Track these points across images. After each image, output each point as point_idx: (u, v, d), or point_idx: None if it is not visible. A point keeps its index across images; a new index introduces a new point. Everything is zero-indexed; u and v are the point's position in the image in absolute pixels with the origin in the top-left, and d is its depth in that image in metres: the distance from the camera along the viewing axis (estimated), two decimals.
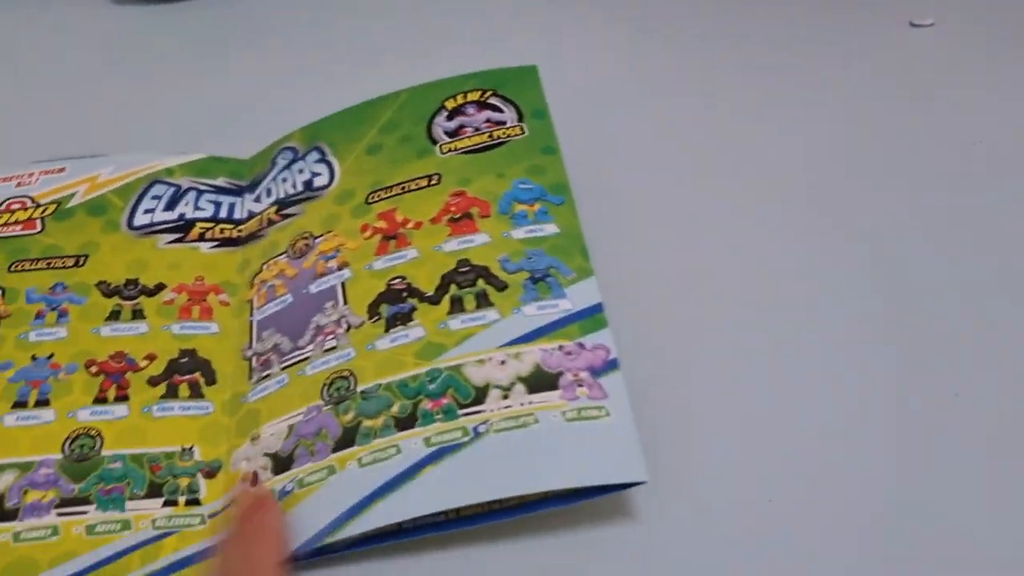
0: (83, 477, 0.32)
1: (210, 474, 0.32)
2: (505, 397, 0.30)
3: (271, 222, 0.39)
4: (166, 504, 0.31)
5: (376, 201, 0.37)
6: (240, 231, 0.39)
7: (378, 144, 0.39)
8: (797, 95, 0.45)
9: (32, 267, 0.38)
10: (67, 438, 0.33)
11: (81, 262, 0.38)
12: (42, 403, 0.34)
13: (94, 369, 0.34)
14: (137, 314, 0.36)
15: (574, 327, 0.32)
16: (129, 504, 0.31)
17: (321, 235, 0.37)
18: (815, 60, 0.47)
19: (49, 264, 0.38)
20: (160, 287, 0.37)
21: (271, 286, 0.36)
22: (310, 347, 0.33)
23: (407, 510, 0.28)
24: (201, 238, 0.39)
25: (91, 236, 0.39)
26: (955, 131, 0.43)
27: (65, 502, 0.31)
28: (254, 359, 0.34)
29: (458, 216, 0.36)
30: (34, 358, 0.35)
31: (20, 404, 0.34)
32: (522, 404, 0.30)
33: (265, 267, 0.37)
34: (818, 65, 0.47)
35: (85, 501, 0.31)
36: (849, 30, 0.49)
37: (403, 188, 0.37)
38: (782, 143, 0.43)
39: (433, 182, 0.37)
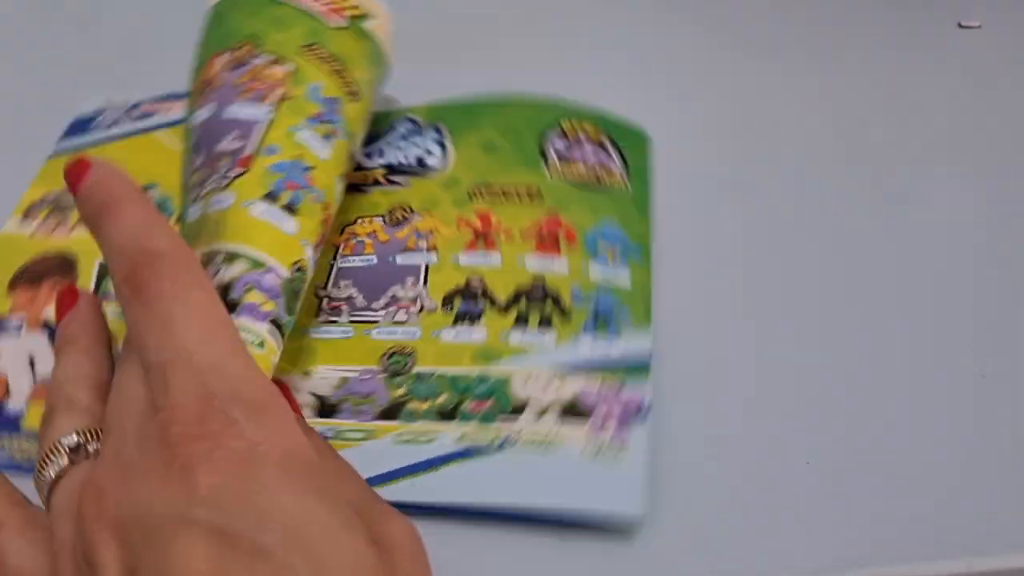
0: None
1: None
2: (538, 418, 0.33)
3: (376, 182, 0.41)
4: None
5: (478, 197, 0.40)
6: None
7: (494, 144, 0.42)
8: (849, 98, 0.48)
9: None
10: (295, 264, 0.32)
11: None
12: (288, 209, 0.33)
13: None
14: None
15: (620, 372, 0.34)
16: None
17: (419, 212, 0.40)
18: (864, 62, 0.49)
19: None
20: None
21: (361, 241, 0.39)
22: (382, 312, 0.36)
23: (424, 496, 0.31)
24: None
25: None
26: (1003, 131, 0.45)
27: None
28: (325, 301, 0.37)
29: (547, 236, 0.38)
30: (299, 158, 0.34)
31: (271, 196, 0.33)
32: (550, 429, 0.32)
33: (360, 221, 0.40)
34: (867, 68, 0.49)
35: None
36: (898, 31, 0.51)
37: (504, 193, 0.40)
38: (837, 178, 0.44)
39: (533, 198, 0.40)
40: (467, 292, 0.36)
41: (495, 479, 0.31)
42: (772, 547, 0.31)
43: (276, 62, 0.36)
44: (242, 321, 0.30)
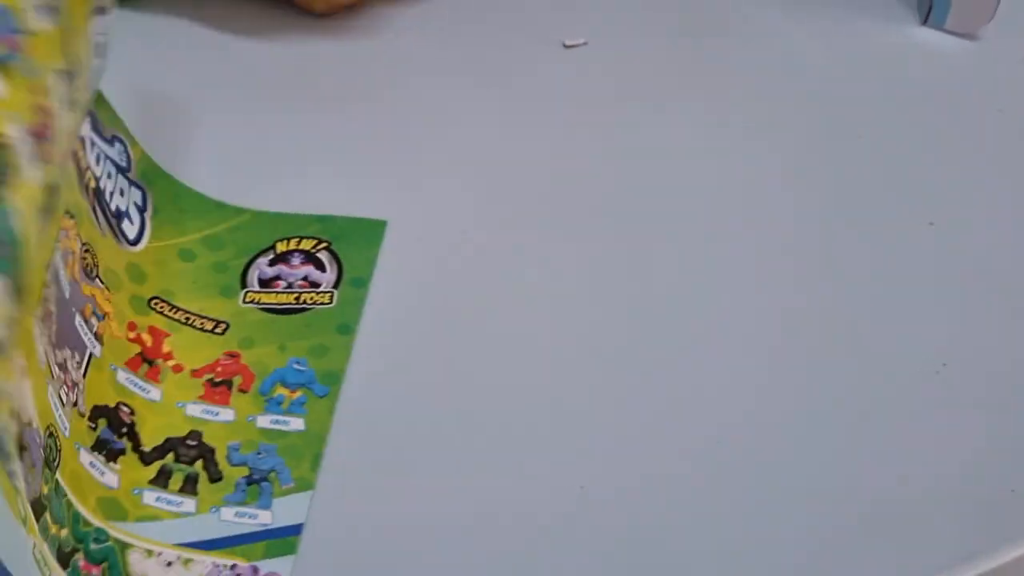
0: None
1: None
2: None
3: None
4: None
5: (157, 311, 0.36)
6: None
7: (192, 253, 0.38)
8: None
9: None
10: None
11: None
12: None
13: None
14: None
15: (259, 546, 0.31)
16: None
17: (104, 282, 0.35)
18: (474, 85, 0.48)
19: None
20: None
21: (69, 252, 0.33)
22: (55, 368, 0.31)
23: None
24: None
25: None
26: (611, 150, 0.45)
27: None
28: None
29: (219, 381, 0.35)
30: None
31: None
32: None
33: (70, 218, 0.33)
34: (479, 92, 0.48)
35: None
36: (506, 52, 0.50)
37: (187, 319, 0.36)
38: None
39: (218, 330, 0.36)
40: (114, 417, 0.33)
41: None
42: None
43: None
44: None
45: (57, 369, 0.31)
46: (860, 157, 0.45)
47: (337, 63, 0.49)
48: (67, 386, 0.32)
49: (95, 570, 0.29)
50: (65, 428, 0.31)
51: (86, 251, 0.35)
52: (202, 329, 0.36)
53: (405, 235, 0.41)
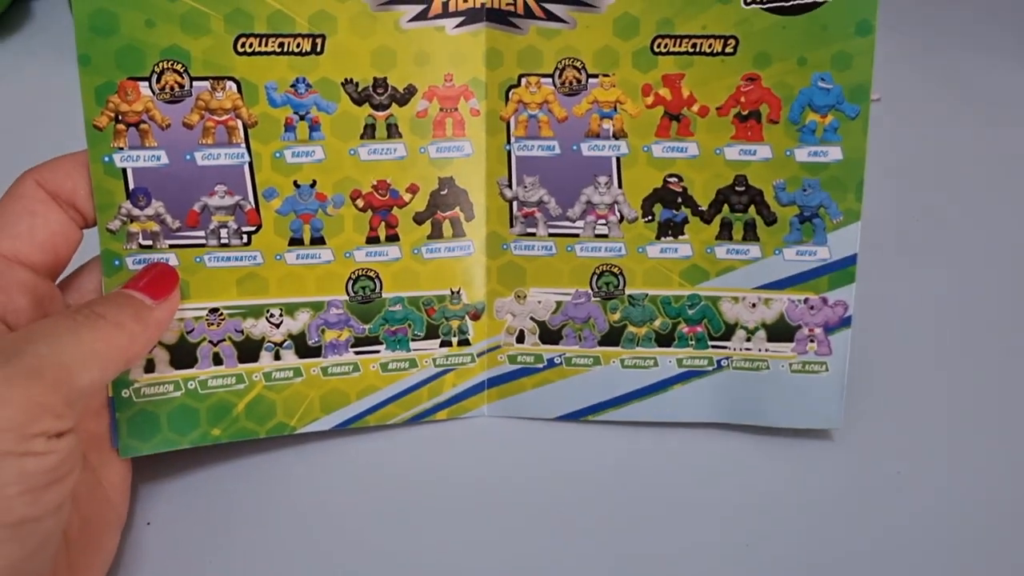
0: (370, 318, 0.36)
1: (475, 316, 0.37)
2: (748, 340, 0.36)
3: (528, 11, 0.34)
4: (442, 344, 0.36)
5: (663, 52, 0.34)
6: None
7: None
8: None
9: (261, 48, 0.33)
10: (349, 279, 0.35)
11: (319, 47, 0.33)
12: (317, 241, 0.35)
13: (360, 203, 0.35)
14: (392, 130, 0.35)
15: (824, 280, 0.35)
16: (412, 344, 0.36)
17: (596, 75, 0.34)
18: None
19: (281, 46, 0.33)
20: (410, 91, 0.34)
21: (534, 118, 0.35)
22: (580, 223, 0.36)
23: (658, 414, 0.37)
24: (444, 11, 0.34)
25: (323, 3, 0.33)
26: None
27: (359, 341, 0.36)
28: (515, 205, 0.36)
29: (746, 114, 0.34)
30: (297, 185, 0.34)
31: (296, 241, 0.34)
32: (760, 350, 0.36)
33: (524, 82, 0.35)
34: None
35: (375, 341, 0.36)
36: None
37: (694, 45, 0.34)
38: None
39: (728, 49, 0.34)
40: (667, 196, 0.35)
41: (712, 400, 0.37)
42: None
43: (217, 83, 0.33)
44: (332, 359, 0.35)
45: (581, 220, 0.35)
46: None
47: None
48: (599, 217, 0.35)
49: (699, 328, 0.36)
50: (619, 253, 0.36)
51: (561, 72, 0.34)
52: (712, 53, 0.34)
53: None
